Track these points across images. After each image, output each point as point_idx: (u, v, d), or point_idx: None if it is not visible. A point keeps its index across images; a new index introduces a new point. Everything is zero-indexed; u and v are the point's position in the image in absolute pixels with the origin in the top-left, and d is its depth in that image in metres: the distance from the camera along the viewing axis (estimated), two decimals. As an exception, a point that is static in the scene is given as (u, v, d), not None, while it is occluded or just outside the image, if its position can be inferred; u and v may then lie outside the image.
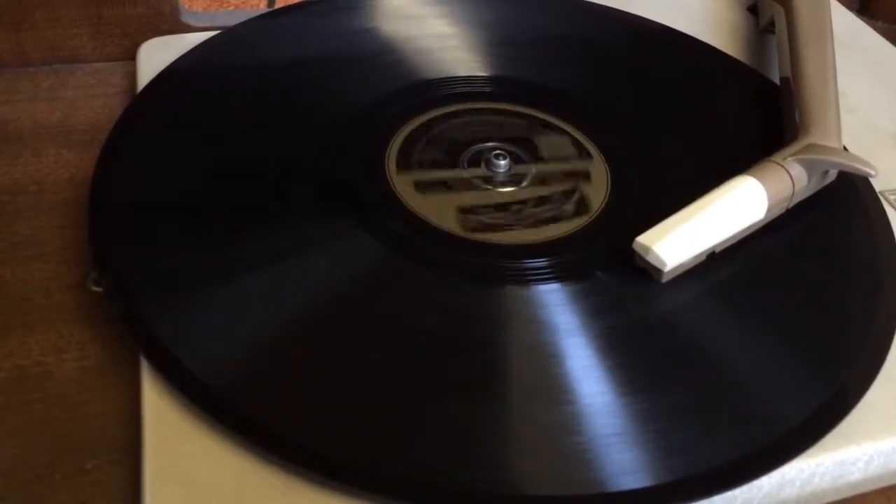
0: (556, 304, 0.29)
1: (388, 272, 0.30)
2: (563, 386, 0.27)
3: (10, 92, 0.40)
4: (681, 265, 0.30)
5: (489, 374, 0.27)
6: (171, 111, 0.36)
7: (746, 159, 0.33)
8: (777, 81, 0.40)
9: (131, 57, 0.42)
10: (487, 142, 0.35)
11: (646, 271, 0.30)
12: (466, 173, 0.34)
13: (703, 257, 0.31)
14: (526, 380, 0.27)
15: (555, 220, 0.32)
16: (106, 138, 0.34)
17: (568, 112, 0.37)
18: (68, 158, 0.37)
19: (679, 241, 0.29)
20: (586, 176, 0.34)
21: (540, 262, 0.30)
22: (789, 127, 0.36)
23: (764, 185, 0.31)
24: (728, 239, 0.31)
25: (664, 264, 0.29)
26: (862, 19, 0.49)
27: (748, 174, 0.32)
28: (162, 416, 0.25)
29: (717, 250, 0.31)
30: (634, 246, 0.30)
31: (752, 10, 0.48)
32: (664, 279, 0.30)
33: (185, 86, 0.37)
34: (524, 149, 0.35)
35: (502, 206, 0.33)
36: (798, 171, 0.32)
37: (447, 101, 0.37)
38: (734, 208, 0.31)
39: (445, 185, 0.34)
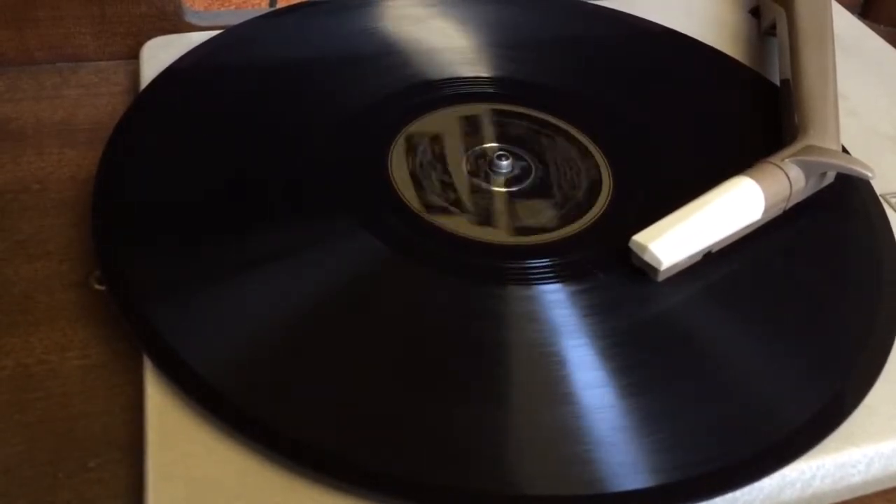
0: (557, 304, 0.29)
1: (390, 272, 0.30)
2: (564, 386, 0.27)
3: (14, 90, 0.40)
4: (676, 264, 0.30)
5: (490, 373, 0.27)
6: (174, 110, 0.36)
7: (747, 160, 0.33)
8: (778, 84, 0.40)
9: (134, 56, 0.42)
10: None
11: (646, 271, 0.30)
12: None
13: (700, 257, 0.31)
14: (527, 379, 0.27)
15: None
16: (109, 137, 0.34)
17: (570, 113, 0.37)
18: (71, 157, 0.37)
19: (675, 240, 0.30)
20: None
21: (541, 263, 0.30)
22: (788, 129, 0.36)
23: (761, 185, 0.31)
24: (724, 239, 0.31)
25: (660, 263, 0.29)
26: (863, 22, 0.49)
27: (745, 175, 0.32)
28: (164, 415, 0.26)
29: (714, 250, 0.31)
30: (631, 245, 0.30)
31: (754, 12, 0.48)
32: (660, 278, 0.30)
33: (188, 85, 0.37)
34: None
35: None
36: (796, 172, 0.32)
37: (449, 101, 0.37)
38: (730, 209, 0.31)
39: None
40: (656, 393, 0.27)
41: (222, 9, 0.60)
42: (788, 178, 0.32)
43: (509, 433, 0.26)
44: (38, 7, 0.40)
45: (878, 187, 0.35)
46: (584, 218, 0.33)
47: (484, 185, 0.34)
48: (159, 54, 0.40)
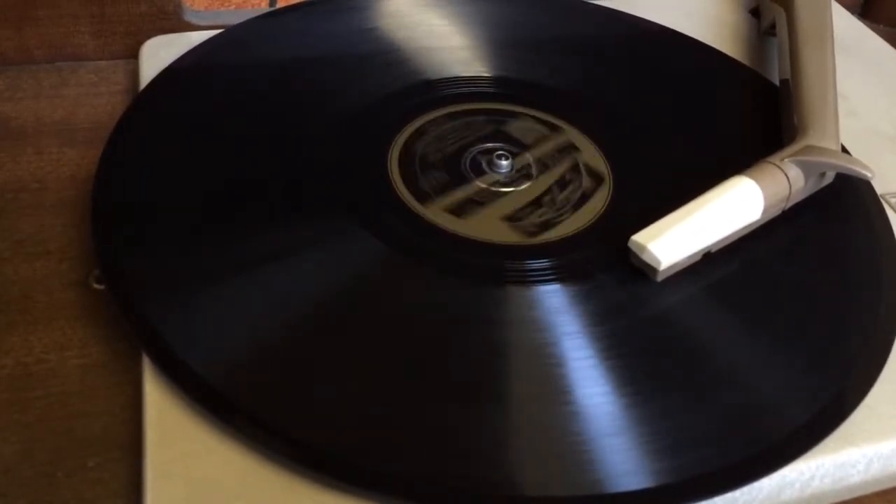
0: (556, 304, 0.29)
1: (389, 272, 0.30)
2: (563, 386, 0.27)
3: (14, 89, 0.40)
4: (675, 264, 0.30)
5: (490, 373, 0.27)
6: (173, 110, 0.36)
7: (747, 160, 0.33)
8: (778, 84, 0.40)
9: (134, 55, 0.42)
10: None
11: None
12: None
13: (699, 257, 0.31)
14: (526, 380, 0.27)
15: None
16: (108, 136, 0.34)
17: (570, 113, 0.37)
18: (71, 156, 0.37)
19: (674, 240, 0.30)
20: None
21: (541, 263, 0.30)
22: (788, 129, 0.36)
23: (760, 185, 0.31)
24: (724, 239, 0.31)
25: (659, 263, 0.29)
26: (863, 22, 0.49)
27: (744, 175, 0.32)
28: (163, 414, 0.26)
29: (713, 250, 0.31)
30: (630, 244, 0.30)
31: (754, 12, 0.48)
32: (659, 278, 0.30)
33: (187, 85, 0.37)
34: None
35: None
36: (795, 172, 0.32)
37: (449, 101, 0.37)
38: (730, 208, 0.31)
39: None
40: (655, 393, 0.27)
41: (222, 8, 0.60)
42: (788, 178, 0.32)
43: (509, 433, 0.26)
44: (37, 6, 0.40)
45: (878, 187, 0.35)
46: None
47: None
48: (159, 54, 0.40)
